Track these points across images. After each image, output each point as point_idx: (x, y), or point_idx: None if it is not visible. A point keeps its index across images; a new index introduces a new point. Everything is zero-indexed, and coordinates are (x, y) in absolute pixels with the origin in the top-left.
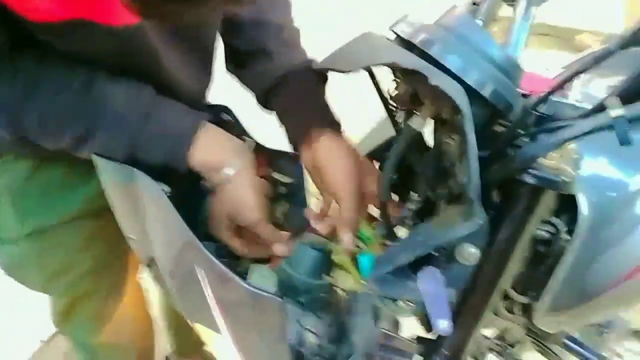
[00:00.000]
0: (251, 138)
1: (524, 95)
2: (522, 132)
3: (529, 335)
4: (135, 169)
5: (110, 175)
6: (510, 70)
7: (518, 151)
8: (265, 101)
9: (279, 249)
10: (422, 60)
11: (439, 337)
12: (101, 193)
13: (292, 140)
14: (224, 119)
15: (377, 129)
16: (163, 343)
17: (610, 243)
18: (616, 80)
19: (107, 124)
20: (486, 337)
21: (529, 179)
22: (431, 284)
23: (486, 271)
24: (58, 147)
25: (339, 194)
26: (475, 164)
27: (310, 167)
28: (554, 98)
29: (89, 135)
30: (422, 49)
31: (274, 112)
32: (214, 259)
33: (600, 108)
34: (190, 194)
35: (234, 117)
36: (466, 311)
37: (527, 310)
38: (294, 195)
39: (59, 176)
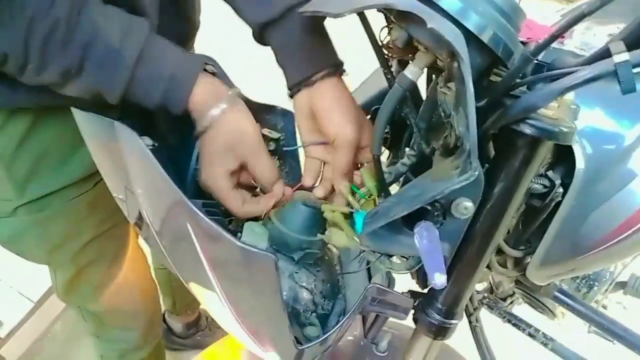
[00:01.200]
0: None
1: (522, 43)
2: (520, 80)
3: (519, 289)
4: (115, 122)
5: (90, 130)
6: (512, 13)
7: (517, 100)
8: (261, 35)
9: (277, 189)
10: (418, 2)
11: (434, 291)
12: None
13: (294, 82)
14: (208, 70)
15: (370, 80)
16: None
17: (603, 197)
18: (616, 28)
19: (98, 57)
20: (477, 291)
21: (527, 129)
22: (426, 238)
23: (482, 225)
24: (42, 81)
25: (337, 142)
26: (473, 113)
27: (306, 113)
28: (553, 46)
29: (78, 68)
30: None
31: (272, 50)
32: (203, 216)
33: (603, 54)
34: (178, 150)
35: (219, 68)
36: (462, 265)
37: (519, 264)
38: (284, 151)
39: (55, 139)
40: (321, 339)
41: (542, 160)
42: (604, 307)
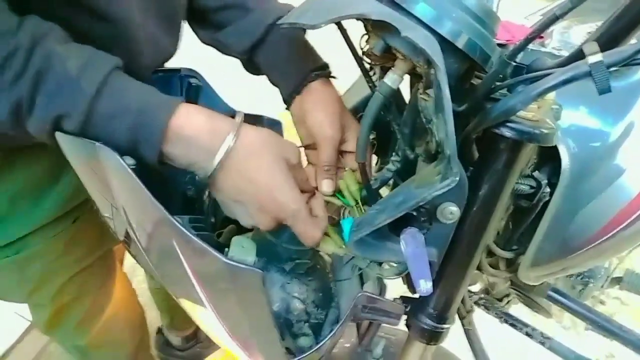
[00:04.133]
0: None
1: (500, 45)
2: (499, 84)
3: (513, 289)
4: (97, 143)
5: (74, 153)
6: (486, 18)
7: (496, 103)
8: (251, 60)
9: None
10: (393, 11)
11: (425, 296)
12: (75, 191)
13: (287, 94)
14: (192, 83)
15: (356, 86)
16: (154, 315)
17: (591, 195)
18: (595, 26)
19: (52, 87)
20: (473, 293)
21: (508, 133)
22: (411, 245)
23: (469, 229)
24: None
25: (319, 138)
26: (451, 119)
27: (300, 120)
28: (532, 47)
29: (29, 101)
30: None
31: (263, 72)
32: (189, 233)
33: (579, 55)
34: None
35: (203, 81)
36: (451, 269)
37: (511, 265)
38: None
39: (28, 179)
40: (313, 350)
41: (526, 162)
42: (602, 302)
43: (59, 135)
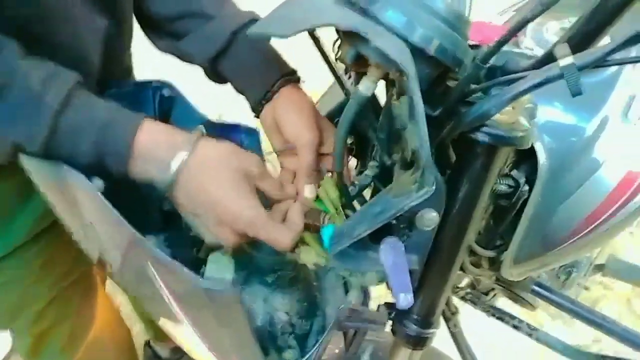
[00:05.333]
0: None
1: (473, 47)
2: (473, 86)
3: (497, 284)
4: (64, 166)
5: (39, 175)
6: (457, 22)
7: (469, 109)
8: (214, 68)
9: (290, 190)
10: (362, 19)
11: None
12: (47, 209)
13: (255, 102)
14: (165, 94)
15: (331, 91)
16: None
17: (569, 190)
18: (568, 22)
19: (14, 102)
20: (459, 288)
21: (483, 137)
22: (391, 256)
23: (449, 232)
24: None
25: (297, 144)
26: (423, 129)
27: (272, 127)
28: (505, 47)
29: None
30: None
31: (228, 80)
32: (162, 254)
33: (550, 57)
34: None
35: (176, 92)
36: (433, 274)
37: (493, 263)
38: None
39: None
40: None
41: (503, 164)
42: (586, 288)
43: (23, 158)
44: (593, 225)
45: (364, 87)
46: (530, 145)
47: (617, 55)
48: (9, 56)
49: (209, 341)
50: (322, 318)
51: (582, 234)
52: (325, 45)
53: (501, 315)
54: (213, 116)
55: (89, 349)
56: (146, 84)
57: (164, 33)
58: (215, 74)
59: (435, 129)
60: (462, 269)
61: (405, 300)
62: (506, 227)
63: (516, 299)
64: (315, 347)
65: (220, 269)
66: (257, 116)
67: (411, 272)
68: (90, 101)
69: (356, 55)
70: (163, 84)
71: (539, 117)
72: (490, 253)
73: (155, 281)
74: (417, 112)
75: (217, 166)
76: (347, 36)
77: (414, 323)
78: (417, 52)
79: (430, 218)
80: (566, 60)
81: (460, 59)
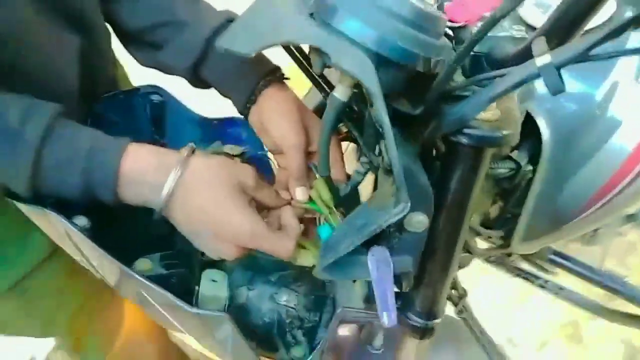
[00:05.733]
0: (189, 112)
1: (458, 28)
2: (453, 85)
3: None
4: (46, 210)
5: (30, 215)
6: (421, 21)
7: (445, 113)
8: (196, 76)
9: (284, 196)
10: (323, 32)
11: (411, 294)
12: None
13: (241, 106)
14: (154, 100)
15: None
16: None
17: (578, 164)
18: None
19: None
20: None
21: (465, 140)
22: (376, 271)
23: (444, 229)
24: None
25: (284, 147)
26: (393, 148)
27: (258, 127)
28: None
29: None
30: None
31: (213, 86)
32: (150, 284)
33: (529, 50)
34: None
35: (166, 95)
36: (432, 268)
37: (504, 238)
38: (251, 162)
39: (11, 221)
40: None
41: (490, 162)
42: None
43: (10, 199)
44: (607, 197)
45: (339, 93)
46: (516, 143)
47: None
48: None
49: (213, 351)
50: (331, 307)
51: (595, 207)
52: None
53: (526, 276)
54: (210, 112)
55: (124, 343)
56: (134, 92)
57: (140, 45)
58: (199, 82)
59: (418, 127)
60: (469, 251)
61: (388, 319)
62: (513, 205)
63: (535, 265)
64: (321, 345)
65: (213, 287)
66: (246, 119)
67: (405, 273)
68: (72, 132)
69: (323, 66)
70: (152, 90)
71: (540, 88)
72: (497, 233)
73: (152, 303)
74: (385, 131)
75: (211, 183)
76: (313, 47)
77: (417, 315)
78: (383, 59)
79: (419, 221)
80: (543, 59)
81: (428, 57)
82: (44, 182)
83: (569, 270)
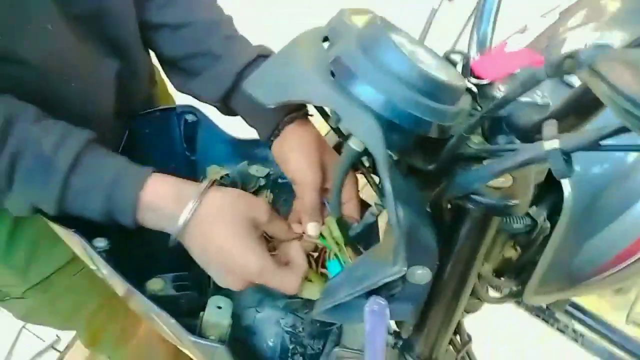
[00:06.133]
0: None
1: (483, 86)
2: (464, 152)
3: None
4: (69, 230)
5: (55, 229)
6: (431, 88)
7: (453, 180)
8: (225, 106)
9: (296, 230)
10: (336, 95)
11: (412, 337)
12: None
13: (264, 139)
14: (188, 119)
15: None
16: None
17: (600, 225)
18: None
19: (28, 168)
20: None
21: (471, 206)
22: (370, 324)
23: (449, 281)
24: None
25: (300, 182)
26: (392, 214)
27: (279, 160)
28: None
29: (6, 181)
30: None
31: (241, 117)
32: (155, 307)
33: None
34: None
35: (200, 115)
36: (435, 316)
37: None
38: (278, 183)
39: (44, 227)
40: None
41: (497, 229)
42: None
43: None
44: (627, 262)
45: (354, 143)
46: (524, 213)
47: None
48: (23, 124)
49: None
50: (336, 337)
51: (613, 270)
52: None
53: (545, 317)
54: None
55: (139, 342)
56: (170, 110)
57: (176, 71)
58: (227, 110)
59: (430, 183)
60: (478, 297)
61: None
62: (528, 257)
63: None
64: None
65: (218, 313)
66: (269, 149)
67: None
68: (99, 161)
69: (338, 121)
70: (188, 109)
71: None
72: (509, 283)
73: (159, 322)
74: (386, 197)
75: (225, 218)
76: None
77: (417, 358)
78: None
79: (422, 274)
80: (551, 143)
81: (441, 125)
82: (70, 205)
83: (585, 325)
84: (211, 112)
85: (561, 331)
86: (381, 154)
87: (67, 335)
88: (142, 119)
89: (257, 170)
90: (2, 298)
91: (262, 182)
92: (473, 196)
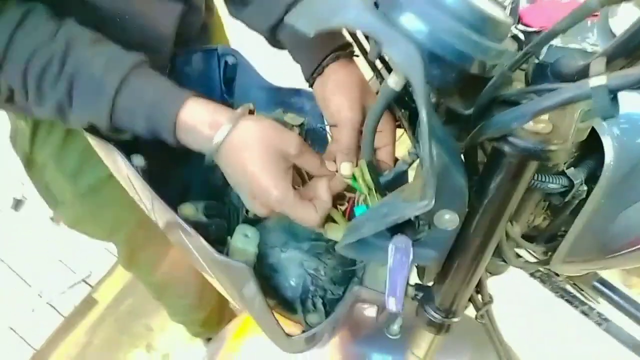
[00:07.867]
0: (259, 77)
1: (530, 33)
2: (503, 94)
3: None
4: (109, 144)
5: (97, 148)
6: (478, 22)
7: (490, 120)
8: (274, 38)
9: (329, 167)
10: (379, 22)
11: (433, 288)
12: None
13: (308, 75)
14: (228, 62)
15: None
16: None
17: (637, 196)
18: None
19: (83, 88)
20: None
21: (507, 148)
22: (395, 259)
23: (475, 233)
24: (45, 114)
25: (339, 120)
26: (425, 145)
27: (320, 99)
28: (558, 43)
29: (68, 102)
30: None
31: (287, 50)
32: (187, 226)
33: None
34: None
35: (240, 58)
36: (458, 269)
37: (544, 254)
38: (310, 134)
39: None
40: (306, 334)
41: (533, 175)
42: None
43: (85, 133)
44: None
45: (393, 82)
46: (561, 161)
47: None
48: (82, 47)
49: (235, 300)
50: (357, 285)
51: None
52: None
53: (570, 299)
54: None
55: (170, 267)
56: (212, 50)
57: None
58: (275, 42)
59: (466, 128)
60: (504, 260)
61: (393, 305)
62: (560, 223)
63: (578, 289)
64: (333, 317)
65: (244, 241)
66: (311, 87)
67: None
68: (143, 83)
69: (378, 54)
70: (227, 51)
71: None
72: (538, 248)
73: (188, 245)
74: (421, 127)
75: (255, 143)
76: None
77: (435, 311)
78: (437, 55)
79: (450, 219)
80: (598, 80)
81: (483, 60)
82: (119, 122)
83: (613, 303)
84: (252, 58)
85: (585, 314)
86: (420, 83)
87: (100, 270)
88: (185, 57)
89: (292, 119)
90: (56, 205)
91: (297, 130)
92: (510, 138)
